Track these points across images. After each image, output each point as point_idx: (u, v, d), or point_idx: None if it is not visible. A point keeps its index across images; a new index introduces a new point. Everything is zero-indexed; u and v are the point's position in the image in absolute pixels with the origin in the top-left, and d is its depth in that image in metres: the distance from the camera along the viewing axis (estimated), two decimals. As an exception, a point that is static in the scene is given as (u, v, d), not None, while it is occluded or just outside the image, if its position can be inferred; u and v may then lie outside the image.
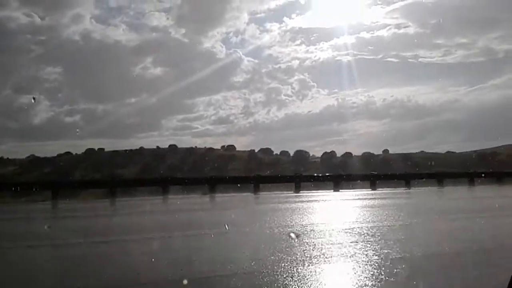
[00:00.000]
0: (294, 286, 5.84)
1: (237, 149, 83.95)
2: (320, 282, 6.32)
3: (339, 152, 79.82)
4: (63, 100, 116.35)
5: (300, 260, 7.53)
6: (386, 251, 8.20)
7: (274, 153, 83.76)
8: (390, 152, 79.19)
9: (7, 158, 79.94)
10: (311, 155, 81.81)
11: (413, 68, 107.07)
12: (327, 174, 48.27)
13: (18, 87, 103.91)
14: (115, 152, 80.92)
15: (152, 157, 78.23)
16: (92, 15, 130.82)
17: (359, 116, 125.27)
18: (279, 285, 5.96)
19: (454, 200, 23.84)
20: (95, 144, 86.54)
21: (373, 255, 7.80)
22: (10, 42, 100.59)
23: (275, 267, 6.94)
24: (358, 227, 11.81)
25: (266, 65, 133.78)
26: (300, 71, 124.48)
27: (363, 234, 10.44)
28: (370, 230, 11.27)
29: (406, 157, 71.92)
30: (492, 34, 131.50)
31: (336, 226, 12.36)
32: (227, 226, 12.45)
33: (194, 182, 42.76)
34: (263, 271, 6.70)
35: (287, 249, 8.69)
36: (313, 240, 9.84)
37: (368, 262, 7.26)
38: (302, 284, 5.94)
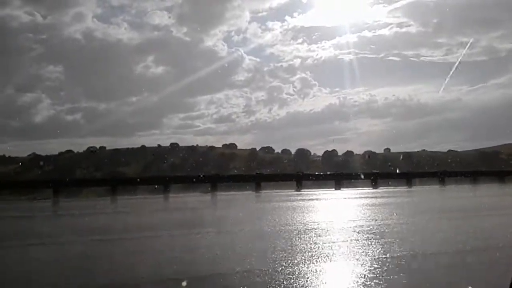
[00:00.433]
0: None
1: (238, 148, 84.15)
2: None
3: (341, 151, 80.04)
4: (64, 98, 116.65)
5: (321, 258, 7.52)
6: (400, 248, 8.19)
7: (276, 152, 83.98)
8: (392, 150, 79.30)
9: (9, 156, 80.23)
10: (312, 153, 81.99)
11: (415, 67, 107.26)
12: (328, 172, 48.33)
13: (19, 86, 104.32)
14: (116, 150, 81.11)
15: (153, 155, 78.36)
16: (94, 14, 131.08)
17: (361, 115, 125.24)
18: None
19: (457, 199, 23.81)
20: (97, 142, 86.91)
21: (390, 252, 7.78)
22: (12, 41, 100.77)
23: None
24: (366, 225, 11.79)
25: (268, 63, 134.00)
26: (301, 69, 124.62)
27: (373, 233, 10.42)
28: (379, 228, 11.27)
29: (407, 155, 71.96)
30: (493, 33, 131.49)
31: (343, 224, 12.32)
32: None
33: (196, 181, 42.83)
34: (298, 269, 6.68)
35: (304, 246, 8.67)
36: (328, 238, 9.82)
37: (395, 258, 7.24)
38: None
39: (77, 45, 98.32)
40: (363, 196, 26.74)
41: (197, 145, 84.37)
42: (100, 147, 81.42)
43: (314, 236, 10.16)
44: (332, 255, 7.92)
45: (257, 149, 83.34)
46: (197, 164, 69.72)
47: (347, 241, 9.47)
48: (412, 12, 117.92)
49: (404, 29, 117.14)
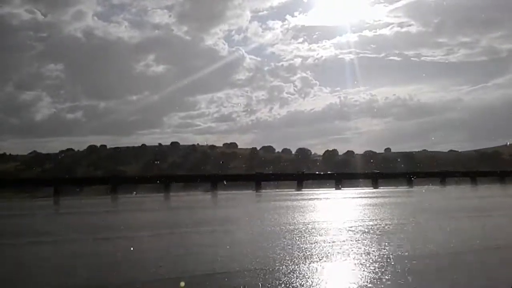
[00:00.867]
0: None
1: (239, 147, 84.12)
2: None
3: (341, 150, 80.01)
4: (65, 97, 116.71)
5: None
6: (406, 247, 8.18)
7: (276, 151, 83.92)
8: (392, 150, 79.25)
9: (10, 154, 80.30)
10: (313, 153, 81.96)
11: (416, 66, 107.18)
12: (329, 172, 48.31)
13: (20, 84, 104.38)
14: (117, 149, 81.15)
15: (154, 154, 78.36)
16: (94, 12, 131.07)
17: (361, 115, 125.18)
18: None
19: (458, 199, 23.80)
20: (97, 141, 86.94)
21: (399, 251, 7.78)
22: (12, 39, 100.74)
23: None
24: (371, 225, 11.79)
25: (269, 63, 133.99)
26: (302, 69, 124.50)
27: (379, 233, 10.41)
28: (386, 228, 11.27)
29: (408, 155, 71.92)
30: (495, 33, 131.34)
31: (348, 224, 12.31)
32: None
33: (196, 180, 42.84)
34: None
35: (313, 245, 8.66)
36: (338, 237, 9.82)
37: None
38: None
39: (77, 44, 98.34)
40: (364, 196, 26.72)
41: (197, 144, 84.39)
42: (101, 146, 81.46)
43: (316, 236, 10.18)
44: (348, 254, 7.92)
45: (258, 149, 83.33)
46: (198, 163, 69.72)
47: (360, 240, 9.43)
48: (413, 12, 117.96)
49: (405, 29, 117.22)
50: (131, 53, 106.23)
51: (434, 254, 7.94)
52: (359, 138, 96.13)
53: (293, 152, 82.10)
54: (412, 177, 40.35)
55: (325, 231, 11.23)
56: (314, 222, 13.25)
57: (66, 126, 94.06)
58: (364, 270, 6.52)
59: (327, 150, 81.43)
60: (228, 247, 9.01)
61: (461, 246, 8.75)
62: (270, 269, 6.66)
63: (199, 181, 41.66)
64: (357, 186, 36.54)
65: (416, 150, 79.48)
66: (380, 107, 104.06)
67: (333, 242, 9.21)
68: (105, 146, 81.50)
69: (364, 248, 8.22)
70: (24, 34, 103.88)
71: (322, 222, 13.12)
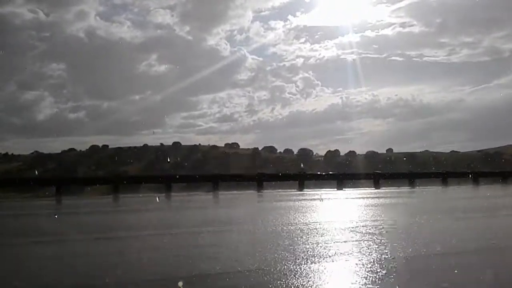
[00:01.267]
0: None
1: (240, 147, 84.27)
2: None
3: (343, 151, 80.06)
4: (67, 96, 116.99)
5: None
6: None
7: (278, 151, 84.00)
8: (394, 151, 79.26)
9: (12, 154, 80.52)
10: (314, 153, 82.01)
11: (418, 67, 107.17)
12: (330, 172, 48.29)
13: (22, 84, 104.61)
14: (119, 149, 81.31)
15: (156, 154, 78.46)
16: (97, 12, 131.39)
17: (363, 115, 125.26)
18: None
19: (461, 200, 23.78)
20: (99, 141, 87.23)
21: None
22: (14, 39, 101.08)
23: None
24: (373, 225, 11.80)
25: (271, 63, 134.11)
26: (304, 69, 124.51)
27: (381, 233, 10.42)
28: (387, 228, 11.28)
29: (410, 156, 71.86)
30: (497, 33, 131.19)
31: (349, 225, 12.31)
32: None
33: (198, 180, 42.84)
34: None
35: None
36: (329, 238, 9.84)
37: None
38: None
39: (80, 43, 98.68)
40: (365, 196, 26.71)
41: (199, 144, 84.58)
42: (103, 146, 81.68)
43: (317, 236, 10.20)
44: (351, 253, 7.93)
45: (260, 149, 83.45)
46: (200, 163, 69.81)
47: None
48: (415, 12, 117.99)
49: (407, 29, 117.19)
50: (133, 53, 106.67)
51: (441, 253, 7.96)
52: (361, 139, 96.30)
53: (295, 153, 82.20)
54: (414, 178, 40.31)
55: (327, 231, 11.25)
56: (315, 222, 13.25)
57: (68, 126, 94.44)
58: (365, 271, 6.53)
59: (329, 150, 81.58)
60: (230, 247, 9.04)
61: (469, 246, 8.77)
62: (272, 269, 6.67)
63: (200, 181, 41.69)
64: (359, 187, 36.51)
65: (418, 150, 79.58)
66: (382, 107, 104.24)
67: (334, 242, 9.23)
68: (107, 146, 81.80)
69: (366, 249, 8.22)
70: (27, 33, 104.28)
71: (324, 222, 13.12)
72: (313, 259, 7.41)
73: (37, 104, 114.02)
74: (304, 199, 24.45)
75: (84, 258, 8.18)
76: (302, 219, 14.03)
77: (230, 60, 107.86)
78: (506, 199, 24.49)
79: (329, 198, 24.92)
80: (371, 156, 74.65)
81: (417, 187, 36.31)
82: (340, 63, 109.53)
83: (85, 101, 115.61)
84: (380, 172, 42.70)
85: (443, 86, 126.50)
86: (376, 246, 8.50)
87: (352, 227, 11.62)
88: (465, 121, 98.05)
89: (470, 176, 43.00)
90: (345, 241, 9.42)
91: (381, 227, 11.54)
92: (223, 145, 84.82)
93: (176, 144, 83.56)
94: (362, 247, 8.40)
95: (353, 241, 9.38)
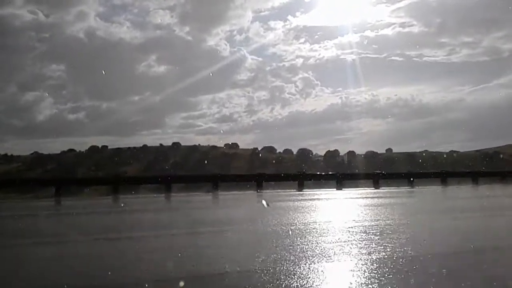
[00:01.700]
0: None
1: (240, 147, 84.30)
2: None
3: (343, 151, 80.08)
4: (67, 97, 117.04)
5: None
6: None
7: (277, 152, 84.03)
8: (394, 151, 79.28)
9: (11, 155, 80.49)
10: (314, 153, 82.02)
11: (418, 67, 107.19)
12: (330, 172, 48.33)
13: (22, 85, 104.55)
14: (118, 149, 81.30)
15: (155, 154, 78.47)
16: (97, 13, 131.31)
17: (363, 115, 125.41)
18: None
19: (461, 199, 23.81)
20: (99, 141, 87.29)
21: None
22: (14, 40, 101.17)
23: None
24: (373, 225, 11.81)
25: (270, 63, 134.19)
26: (304, 69, 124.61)
27: (381, 233, 10.43)
28: (388, 228, 11.29)
29: (409, 156, 71.91)
30: (497, 33, 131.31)
31: (349, 224, 12.32)
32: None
33: (198, 180, 42.85)
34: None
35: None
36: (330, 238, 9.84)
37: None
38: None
39: (79, 44, 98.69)
40: (365, 196, 26.72)
41: (199, 144, 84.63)
42: (102, 146, 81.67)
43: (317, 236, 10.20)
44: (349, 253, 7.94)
45: (259, 149, 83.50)
46: (199, 164, 69.81)
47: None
48: (415, 12, 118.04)
49: (406, 29, 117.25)
50: (133, 53, 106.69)
51: (441, 253, 7.97)
52: (360, 139, 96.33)
53: (295, 153, 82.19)
54: (414, 178, 40.32)
55: (327, 231, 11.25)
56: (315, 222, 13.26)
57: (68, 127, 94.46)
58: (366, 271, 6.54)
59: (329, 150, 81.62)
60: (231, 247, 9.04)
61: (468, 246, 8.78)
62: (271, 270, 6.68)
63: (200, 182, 41.70)
64: (359, 187, 36.52)
65: (418, 150, 79.57)
66: (381, 107, 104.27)
67: (334, 242, 9.23)
68: (106, 146, 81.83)
69: (366, 249, 8.23)
70: (26, 34, 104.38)
71: (324, 222, 13.13)
72: (312, 259, 7.41)
73: (36, 105, 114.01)
74: (304, 199, 24.46)
75: (84, 259, 8.18)
76: (302, 219, 14.03)
77: (229, 61, 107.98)
78: (505, 199, 24.50)
79: (328, 199, 24.95)
80: (371, 156, 74.66)
81: (417, 187, 36.33)
82: (339, 63, 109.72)
83: (84, 102, 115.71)
84: (379, 172, 42.72)
85: (442, 86, 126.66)
86: (375, 245, 8.51)
87: (351, 227, 11.62)
88: (465, 121, 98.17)
89: (470, 176, 43.02)
90: (346, 241, 9.42)
91: (381, 227, 11.54)
92: (222, 146, 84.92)
93: (176, 144, 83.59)
94: (361, 247, 8.41)
95: (353, 240, 9.38)
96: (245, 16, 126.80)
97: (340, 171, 47.56)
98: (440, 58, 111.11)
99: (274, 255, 7.73)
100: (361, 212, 16.57)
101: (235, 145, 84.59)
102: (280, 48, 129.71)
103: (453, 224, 12.42)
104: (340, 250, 8.31)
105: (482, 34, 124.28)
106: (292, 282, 5.93)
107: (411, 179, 39.58)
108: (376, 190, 33.09)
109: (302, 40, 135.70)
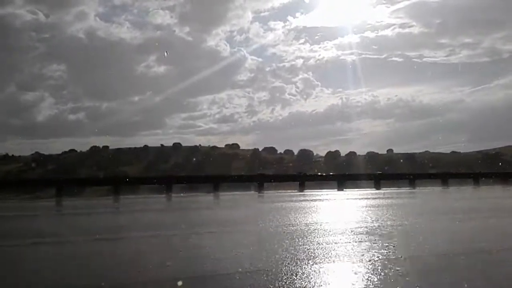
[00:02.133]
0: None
1: (241, 148, 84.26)
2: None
3: (343, 152, 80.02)
4: (67, 97, 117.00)
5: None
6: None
7: (278, 152, 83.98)
8: (395, 151, 79.18)
9: (12, 155, 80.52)
10: (315, 154, 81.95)
11: (418, 67, 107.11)
12: (331, 173, 48.29)
13: (22, 85, 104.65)
14: (119, 150, 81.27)
15: (156, 155, 78.46)
16: (97, 13, 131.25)
17: (364, 116, 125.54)
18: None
19: (462, 200, 23.78)
20: (100, 142, 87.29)
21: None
22: (14, 40, 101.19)
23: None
24: (374, 226, 11.78)
25: (270, 64, 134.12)
26: (304, 70, 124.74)
27: (382, 234, 10.39)
28: (389, 229, 11.28)
29: (410, 156, 71.84)
30: (497, 34, 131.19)
31: (350, 225, 12.29)
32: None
33: (198, 181, 42.83)
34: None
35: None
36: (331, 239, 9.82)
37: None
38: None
39: (79, 44, 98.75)
40: (366, 197, 26.70)
41: (199, 145, 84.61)
42: (103, 147, 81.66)
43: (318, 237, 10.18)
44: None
45: (260, 150, 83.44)
46: (200, 164, 69.80)
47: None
48: (414, 12, 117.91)
49: (406, 30, 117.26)
50: (133, 53, 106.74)
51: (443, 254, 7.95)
52: (361, 139, 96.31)
53: (295, 153, 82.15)
54: (415, 179, 40.29)
55: (327, 232, 11.22)
56: (316, 223, 13.23)
57: (68, 127, 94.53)
58: (367, 272, 6.52)
59: (329, 151, 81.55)
60: (233, 247, 9.01)
61: (469, 248, 8.75)
62: (273, 270, 6.65)
63: (201, 182, 41.69)
64: (359, 187, 36.50)
65: (419, 151, 79.50)
66: (382, 108, 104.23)
67: (335, 243, 9.21)
68: (107, 147, 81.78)
69: (367, 250, 8.21)
70: (26, 35, 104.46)
71: (325, 223, 13.10)
72: (314, 260, 7.39)
73: (37, 105, 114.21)
74: (305, 200, 24.43)
75: (84, 259, 8.15)
76: (303, 220, 14.00)
77: (229, 61, 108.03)
78: (505, 200, 24.48)
79: (329, 199, 24.95)
80: (372, 156, 74.61)
81: (418, 188, 36.31)
82: (339, 64, 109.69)
83: (85, 102, 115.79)
84: (380, 172, 42.71)
85: (443, 86, 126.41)
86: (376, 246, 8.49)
87: (352, 228, 11.60)
88: (465, 121, 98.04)
89: (471, 177, 42.99)
90: (348, 242, 9.40)
91: (380, 228, 11.52)
92: (223, 146, 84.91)
93: (176, 145, 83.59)
94: (363, 248, 8.39)
95: (356, 242, 9.36)
96: (245, 16, 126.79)
97: (341, 172, 47.52)
98: (440, 59, 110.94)
99: (276, 256, 7.71)
100: (362, 213, 16.54)
101: (235, 146, 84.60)
102: (280, 48, 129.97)
103: (449, 226, 12.40)
104: (342, 251, 8.29)
105: (482, 35, 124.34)
106: (292, 282, 5.90)
107: (412, 180, 39.54)
108: (377, 191, 33.08)
109: (302, 40, 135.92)
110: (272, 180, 40.21)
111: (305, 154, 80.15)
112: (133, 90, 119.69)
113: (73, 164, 73.86)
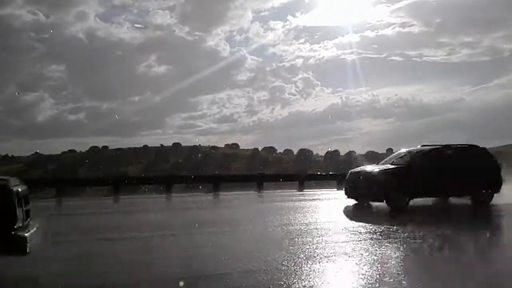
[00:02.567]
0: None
1: (240, 148, 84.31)
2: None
3: (343, 151, 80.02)
4: (67, 98, 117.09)
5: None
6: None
7: (278, 152, 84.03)
8: (394, 151, 79.04)
9: (12, 155, 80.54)
10: (314, 153, 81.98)
11: (418, 67, 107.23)
12: (330, 172, 48.27)
13: (22, 85, 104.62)
14: (119, 150, 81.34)
15: (156, 155, 78.50)
16: (96, 13, 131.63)
17: (363, 115, 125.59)
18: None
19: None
20: (99, 142, 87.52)
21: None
22: (14, 40, 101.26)
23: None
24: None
25: (270, 63, 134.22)
26: (304, 69, 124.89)
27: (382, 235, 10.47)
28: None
29: (410, 156, 71.70)
30: (497, 33, 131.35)
31: (350, 225, 12.37)
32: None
33: (198, 180, 42.79)
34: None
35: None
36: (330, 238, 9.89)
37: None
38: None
39: (79, 44, 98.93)
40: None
41: (199, 145, 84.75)
42: (103, 147, 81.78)
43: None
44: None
45: (260, 149, 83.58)
46: (200, 164, 69.88)
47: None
48: (415, 12, 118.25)
49: (406, 29, 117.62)
50: (133, 53, 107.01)
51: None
52: (361, 139, 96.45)
53: (295, 153, 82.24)
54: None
55: (327, 231, 11.30)
56: (316, 222, 13.31)
57: (68, 127, 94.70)
58: (367, 271, 6.59)
59: (329, 150, 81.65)
60: (231, 247, 9.08)
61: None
62: (272, 269, 6.72)
63: (201, 182, 41.67)
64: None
65: (418, 150, 79.47)
66: (382, 107, 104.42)
67: (336, 242, 9.28)
68: (107, 147, 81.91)
69: (367, 249, 8.28)
70: (26, 35, 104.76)
71: (325, 222, 13.18)
72: (313, 259, 7.46)
73: (37, 105, 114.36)
74: (304, 200, 24.49)
75: (85, 259, 8.22)
76: (303, 220, 14.08)
77: (229, 61, 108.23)
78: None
79: (328, 199, 24.99)
80: (371, 156, 74.57)
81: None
82: (339, 63, 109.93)
83: (85, 102, 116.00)
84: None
85: (443, 86, 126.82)
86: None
87: (353, 227, 11.68)
88: (465, 121, 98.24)
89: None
90: (347, 241, 9.48)
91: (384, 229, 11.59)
92: (223, 146, 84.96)
93: (176, 145, 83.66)
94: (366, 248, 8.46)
95: (355, 241, 9.44)
96: (245, 16, 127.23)
97: (340, 171, 47.52)
98: (440, 58, 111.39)
99: (275, 255, 7.78)
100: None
101: (235, 146, 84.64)
102: (280, 48, 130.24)
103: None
104: (342, 251, 8.36)
105: (482, 34, 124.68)
106: (292, 282, 5.97)
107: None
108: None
109: (302, 40, 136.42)
110: (271, 180, 40.21)
111: (305, 153, 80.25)
112: (133, 90, 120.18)
113: (73, 164, 73.93)
